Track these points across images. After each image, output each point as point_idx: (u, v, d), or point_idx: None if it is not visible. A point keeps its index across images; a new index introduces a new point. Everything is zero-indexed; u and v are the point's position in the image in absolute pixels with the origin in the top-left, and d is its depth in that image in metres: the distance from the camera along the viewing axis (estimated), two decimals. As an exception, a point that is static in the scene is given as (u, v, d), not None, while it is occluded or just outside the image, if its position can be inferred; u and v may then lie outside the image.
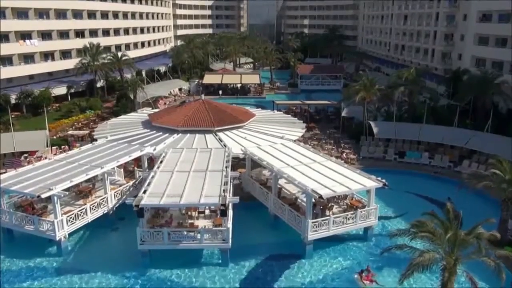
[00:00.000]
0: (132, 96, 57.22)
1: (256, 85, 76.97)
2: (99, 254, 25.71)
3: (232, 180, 28.72)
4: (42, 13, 63.84)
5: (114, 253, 26.21)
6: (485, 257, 16.53)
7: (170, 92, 70.59)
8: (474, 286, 16.63)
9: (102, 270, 23.74)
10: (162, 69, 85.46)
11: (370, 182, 26.10)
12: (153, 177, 26.56)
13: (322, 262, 24.91)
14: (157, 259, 24.25)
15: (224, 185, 25.00)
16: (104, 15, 79.84)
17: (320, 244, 25.66)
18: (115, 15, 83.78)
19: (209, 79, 76.20)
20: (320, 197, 23.62)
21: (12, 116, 45.67)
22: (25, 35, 60.20)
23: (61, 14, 67.49)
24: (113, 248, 27.05)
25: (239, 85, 75.87)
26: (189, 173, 27.05)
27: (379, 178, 26.48)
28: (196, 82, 78.53)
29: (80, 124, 52.00)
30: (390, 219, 29.89)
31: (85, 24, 73.47)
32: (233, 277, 23.56)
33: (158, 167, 28.34)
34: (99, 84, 67.45)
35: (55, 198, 24.54)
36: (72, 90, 64.94)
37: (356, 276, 23.20)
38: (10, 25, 57.53)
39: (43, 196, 23.98)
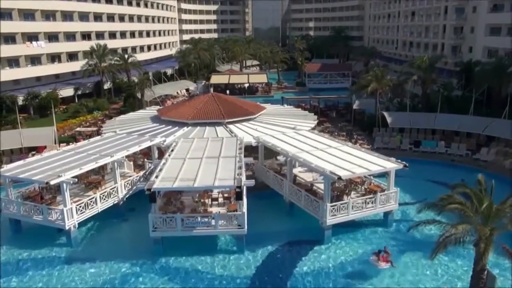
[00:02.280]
0: (139, 96, 56.67)
1: (264, 84, 76.25)
2: (110, 244, 24.97)
3: (245, 169, 27.84)
4: (48, 15, 63.75)
5: (125, 242, 25.57)
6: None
7: (177, 92, 70.09)
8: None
9: (114, 259, 22.82)
10: (169, 71, 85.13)
11: (390, 164, 25.08)
12: (164, 164, 25.76)
13: (341, 247, 23.89)
14: (169, 247, 23.33)
15: (238, 169, 24.13)
16: (110, 17, 79.89)
17: (338, 230, 24.70)
18: (121, 18, 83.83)
19: (216, 79, 75.36)
20: (339, 178, 22.67)
21: (20, 117, 45.18)
22: (31, 37, 60.02)
23: (67, 16, 67.48)
24: (124, 238, 26.34)
25: (246, 85, 75.12)
26: (202, 159, 26.24)
27: (399, 160, 25.50)
28: (203, 83, 77.89)
29: (88, 123, 51.49)
30: (409, 205, 28.80)
31: (92, 26, 73.39)
32: (249, 263, 22.55)
33: (169, 155, 27.54)
34: (106, 86, 67.05)
35: (65, 185, 23.75)
36: (79, 92, 64.63)
37: (372, 257, 22.15)
38: (17, 26, 57.40)
39: (52, 182, 23.20)
